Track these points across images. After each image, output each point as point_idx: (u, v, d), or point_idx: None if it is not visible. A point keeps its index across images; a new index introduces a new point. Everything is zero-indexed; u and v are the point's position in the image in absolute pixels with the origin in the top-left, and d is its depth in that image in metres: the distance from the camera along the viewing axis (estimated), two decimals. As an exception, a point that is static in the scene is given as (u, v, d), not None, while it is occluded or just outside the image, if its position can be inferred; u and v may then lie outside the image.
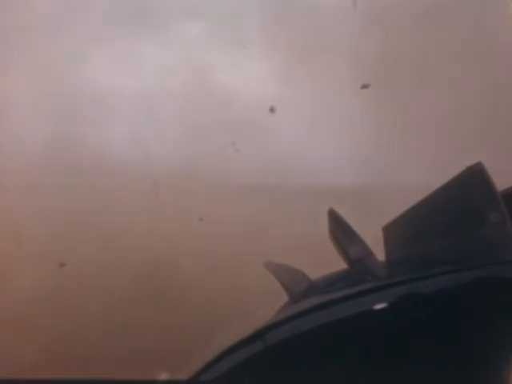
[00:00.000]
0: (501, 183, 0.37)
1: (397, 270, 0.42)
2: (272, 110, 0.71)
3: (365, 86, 0.67)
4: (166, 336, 0.65)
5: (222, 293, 0.66)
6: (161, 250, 0.68)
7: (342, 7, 0.73)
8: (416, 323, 0.34)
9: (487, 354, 0.34)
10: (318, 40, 0.73)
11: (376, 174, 0.71)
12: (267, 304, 0.44)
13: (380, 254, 0.44)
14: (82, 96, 0.71)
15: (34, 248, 0.67)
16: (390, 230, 0.46)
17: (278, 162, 0.71)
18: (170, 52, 0.72)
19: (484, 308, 0.34)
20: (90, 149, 0.70)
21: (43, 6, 0.72)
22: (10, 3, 0.71)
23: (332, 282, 0.44)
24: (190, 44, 0.72)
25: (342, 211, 0.46)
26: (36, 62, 0.71)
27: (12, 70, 0.71)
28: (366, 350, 0.34)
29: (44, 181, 0.69)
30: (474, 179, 0.37)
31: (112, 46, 0.72)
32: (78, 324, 0.66)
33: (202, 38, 0.72)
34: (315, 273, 0.45)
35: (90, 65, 0.71)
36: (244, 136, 0.71)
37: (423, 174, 0.69)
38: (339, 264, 0.44)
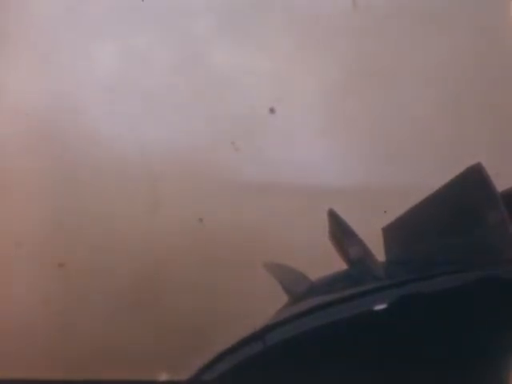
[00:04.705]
0: (500, 184, 0.37)
1: (397, 271, 0.42)
2: (272, 110, 0.72)
3: None
4: (166, 336, 0.65)
5: (221, 293, 0.66)
6: (160, 250, 0.67)
7: (341, 7, 0.73)
8: (416, 323, 0.34)
9: (488, 354, 0.34)
10: (318, 40, 0.73)
11: (376, 174, 0.71)
12: (267, 304, 0.44)
13: (380, 255, 0.44)
14: (80, 93, 0.71)
15: (33, 248, 0.67)
16: (389, 231, 0.46)
17: (277, 162, 0.71)
18: (170, 50, 0.72)
19: (484, 308, 0.34)
20: (88, 148, 0.70)
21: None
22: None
23: (332, 282, 0.44)
24: (190, 42, 0.72)
25: (342, 211, 0.46)
26: (36, 55, 0.71)
27: (11, 64, 0.71)
28: (367, 351, 0.34)
29: (43, 180, 0.69)
30: (474, 179, 0.37)
31: (113, 42, 0.72)
32: (77, 324, 0.66)
33: (204, 37, 0.72)
34: (315, 273, 0.46)
35: (90, 60, 0.71)
36: (244, 136, 0.71)
37: (423, 175, 0.69)
38: (339, 264, 0.44)
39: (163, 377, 0.51)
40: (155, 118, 0.71)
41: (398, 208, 0.44)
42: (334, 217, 0.46)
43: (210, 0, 0.73)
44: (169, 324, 0.65)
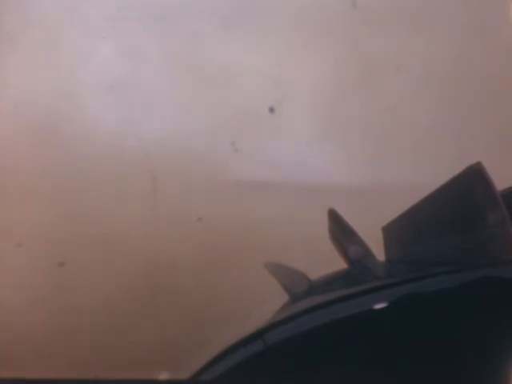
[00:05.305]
0: (501, 183, 0.37)
1: (397, 270, 0.43)
2: (272, 110, 0.72)
3: None
4: (166, 336, 0.65)
5: (221, 292, 0.66)
6: (159, 249, 0.68)
7: (342, 7, 0.73)
8: (416, 323, 0.34)
9: (487, 353, 0.34)
10: (318, 40, 0.73)
11: (376, 174, 0.71)
12: (267, 304, 0.44)
13: (380, 254, 0.44)
14: (80, 93, 0.71)
15: (33, 248, 0.67)
16: (389, 230, 0.46)
17: (277, 161, 0.71)
18: (169, 50, 0.72)
19: (484, 308, 0.34)
20: (88, 148, 0.70)
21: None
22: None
23: (332, 281, 0.44)
24: (190, 43, 0.72)
25: (342, 211, 0.46)
26: (37, 55, 0.71)
27: (10, 64, 0.71)
28: (367, 350, 0.34)
29: (43, 180, 0.69)
30: (474, 179, 0.37)
31: (113, 41, 0.72)
32: (77, 324, 0.66)
33: (204, 37, 0.72)
34: (315, 273, 0.46)
35: (91, 60, 0.71)
36: (243, 136, 0.71)
37: (423, 174, 0.69)
38: (339, 264, 0.44)
39: (163, 376, 0.50)
40: (155, 118, 0.71)
41: (397, 207, 0.44)
42: (334, 216, 0.46)
43: (210, 2, 0.73)
44: (168, 323, 0.65)
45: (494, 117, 0.72)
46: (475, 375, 0.34)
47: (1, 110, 0.70)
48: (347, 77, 0.72)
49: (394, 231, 0.45)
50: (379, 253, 0.44)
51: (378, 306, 0.33)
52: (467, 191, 0.38)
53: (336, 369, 0.35)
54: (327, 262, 0.43)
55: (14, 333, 0.64)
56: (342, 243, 0.44)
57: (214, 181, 0.70)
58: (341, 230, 0.44)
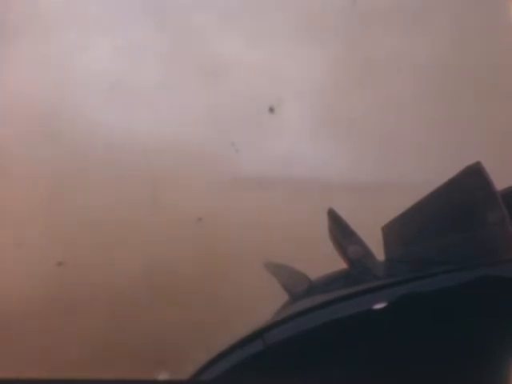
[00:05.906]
0: (501, 183, 0.37)
1: (397, 270, 0.42)
2: (272, 110, 0.72)
3: None
4: (166, 336, 0.65)
5: (221, 293, 0.66)
6: (159, 249, 0.68)
7: (341, 7, 0.73)
8: (416, 323, 0.34)
9: (487, 353, 0.34)
10: (318, 40, 0.73)
11: (376, 173, 0.71)
12: (267, 303, 0.44)
13: (380, 254, 0.44)
14: (80, 93, 0.71)
15: (33, 248, 0.67)
16: (389, 230, 0.46)
17: (277, 161, 0.71)
18: (169, 51, 0.72)
19: (484, 308, 0.34)
20: (87, 148, 0.70)
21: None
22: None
23: (331, 281, 0.44)
24: (190, 42, 0.72)
25: (342, 211, 0.46)
26: (36, 55, 0.71)
27: (10, 64, 0.71)
28: (367, 350, 0.34)
29: (43, 180, 0.69)
30: (473, 179, 0.37)
31: (114, 35, 0.72)
32: (76, 324, 0.66)
33: (204, 37, 0.72)
34: (315, 272, 0.46)
35: (92, 60, 0.71)
36: (243, 136, 0.71)
37: (423, 174, 0.69)
38: (339, 264, 0.44)
39: (163, 376, 0.50)
40: (155, 119, 0.71)
41: (398, 207, 0.44)
42: (333, 216, 0.46)
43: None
44: (168, 323, 0.65)
45: (494, 117, 0.72)
46: (475, 375, 0.34)
47: (1, 111, 0.70)
48: (347, 76, 0.72)
49: (394, 230, 0.45)
50: (379, 252, 0.44)
51: (378, 306, 0.33)
52: (467, 191, 0.38)
53: (336, 369, 0.35)
54: (327, 262, 0.43)
55: (13, 332, 0.64)
56: (342, 243, 0.44)
57: (214, 181, 0.70)
58: (340, 230, 0.44)
